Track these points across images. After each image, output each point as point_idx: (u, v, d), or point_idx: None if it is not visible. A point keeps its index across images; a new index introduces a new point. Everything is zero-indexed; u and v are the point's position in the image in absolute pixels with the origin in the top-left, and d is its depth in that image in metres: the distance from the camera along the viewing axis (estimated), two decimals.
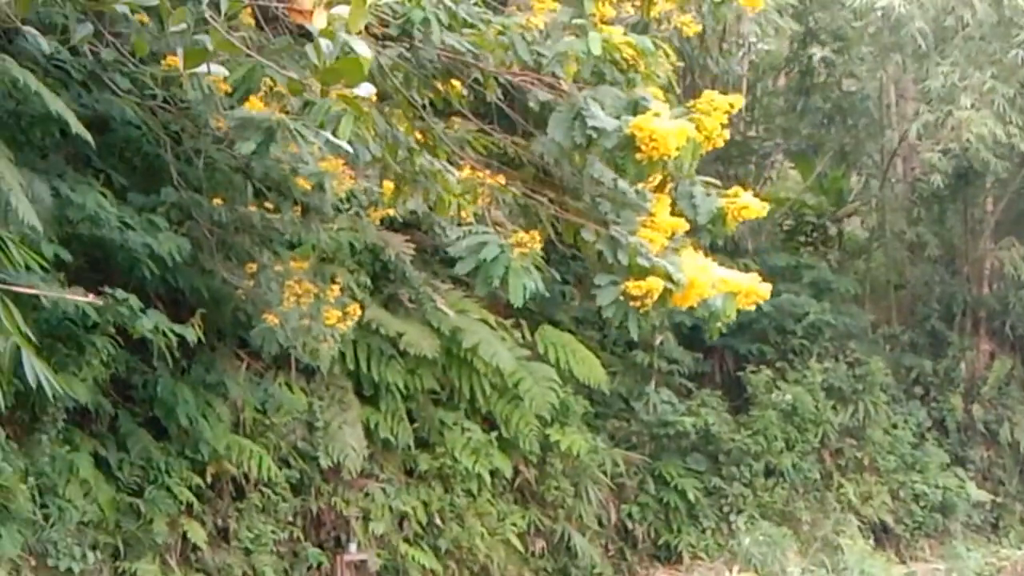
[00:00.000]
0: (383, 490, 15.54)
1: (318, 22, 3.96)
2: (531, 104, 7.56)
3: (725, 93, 7.88)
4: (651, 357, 19.61)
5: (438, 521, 16.05)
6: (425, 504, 15.97)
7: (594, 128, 7.19)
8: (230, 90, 10.72)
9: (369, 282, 15.58)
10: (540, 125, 7.70)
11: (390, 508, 15.52)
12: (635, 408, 19.40)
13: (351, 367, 15.37)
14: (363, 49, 4.13)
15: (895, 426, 21.39)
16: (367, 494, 15.37)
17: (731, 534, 18.89)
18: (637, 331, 7.31)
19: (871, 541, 20.01)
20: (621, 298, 7.14)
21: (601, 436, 18.49)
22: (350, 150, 5.99)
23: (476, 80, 7.80)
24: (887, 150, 22.74)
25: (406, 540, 15.64)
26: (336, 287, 12.05)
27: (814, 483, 20.08)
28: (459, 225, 13.30)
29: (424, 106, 7.82)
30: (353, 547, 14.96)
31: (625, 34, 7.60)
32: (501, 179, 8.00)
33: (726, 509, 19.15)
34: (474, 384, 16.78)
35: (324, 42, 4.03)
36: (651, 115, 7.13)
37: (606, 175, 7.43)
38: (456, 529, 16.12)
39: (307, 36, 4.29)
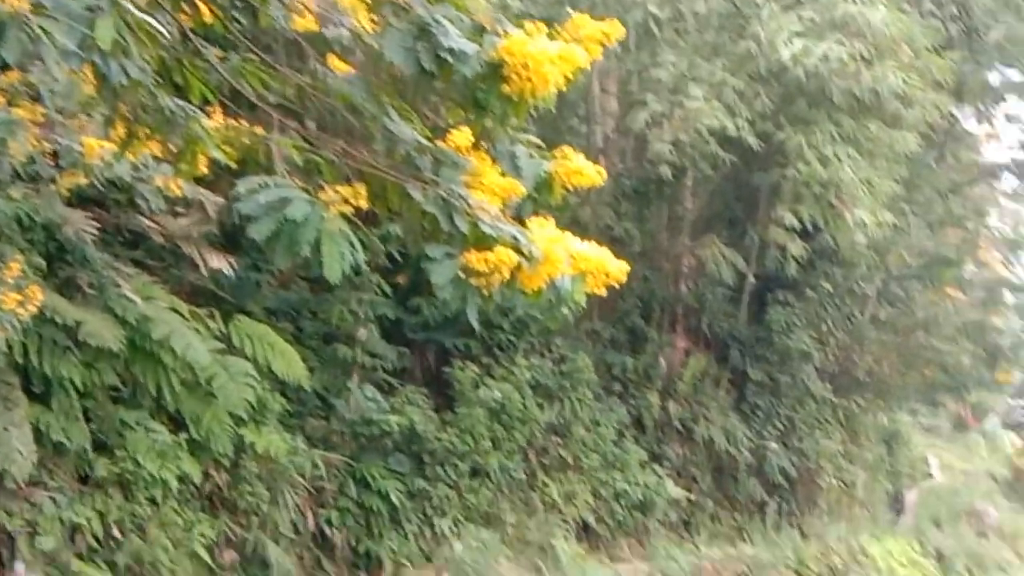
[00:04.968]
0: (53, 500, 13.67)
1: None
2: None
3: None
4: (352, 351, 18.32)
5: (116, 533, 14.30)
6: (102, 515, 14.21)
7: (450, 50, 5.74)
8: None
9: (43, 264, 13.63)
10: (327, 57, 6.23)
11: (61, 520, 13.69)
12: (335, 406, 18.08)
13: (19, 360, 13.32)
14: None
15: (597, 423, 21.09)
16: (34, 505, 13.43)
17: (435, 539, 17.93)
18: (477, 317, 5.95)
19: (576, 541, 19.56)
20: (461, 275, 5.72)
21: (299, 436, 17.07)
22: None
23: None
24: (594, 145, 22.36)
25: (79, 556, 13.85)
26: (15, 266, 10.15)
27: (519, 483, 19.44)
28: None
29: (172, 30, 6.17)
30: (20, 567, 13.05)
31: None
32: (259, 129, 6.41)
33: (430, 512, 18.13)
34: (161, 380, 15.08)
35: None
36: (524, 38, 5.77)
37: (404, 131, 6.02)
38: (137, 542, 14.44)
39: None
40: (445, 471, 18.40)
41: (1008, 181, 33.49)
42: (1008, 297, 35.03)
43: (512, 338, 20.26)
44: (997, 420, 48.28)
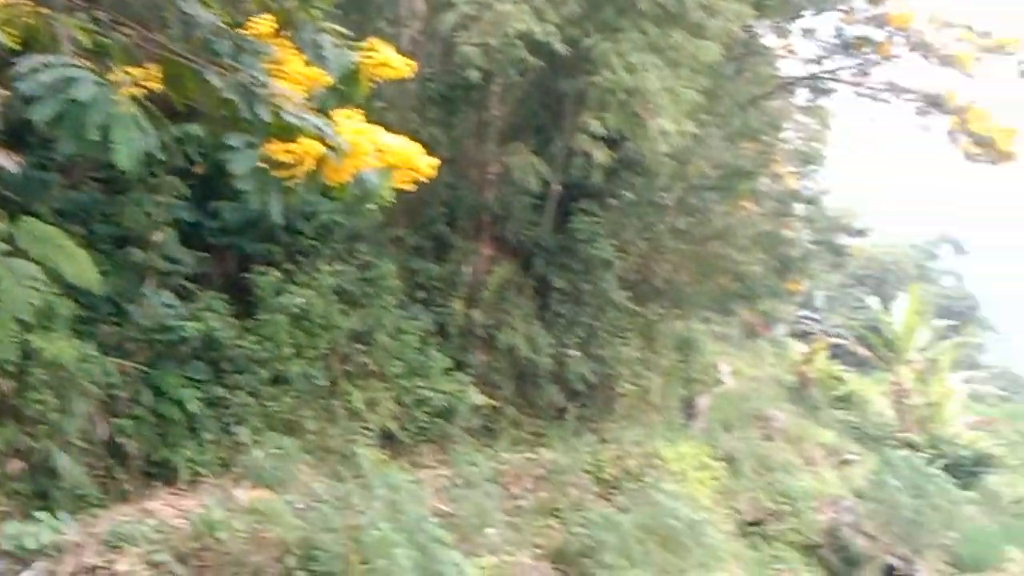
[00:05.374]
0: None
1: None
2: None
3: None
4: (148, 255, 17.63)
5: None
6: None
7: None
8: None
9: None
10: None
11: None
12: (129, 312, 17.36)
13: None
14: None
15: (401, 331, 20.87)
16: None
17: (234, 447, 17.52)
18: (280, 212, 5.58)
19: (378, 448, 19.43)
20: (263, 166, 5.33)
21: (90, 343, 16.35)
22: None
23: None
24: (401, 48, 21.83)
25: None
26: None
27: (321, 390, 19.13)
28: None
29: None
30: None
31: None
32: (45, 9, 5.84)
33: (228, 420, 17.69)
34: None
35: None
36: None
37: (201, 14, 5.60)
38: None
39: None
40: (245, 378, 17.98)
41: (802, 95, 34.45)
42: (799, 209, 36.19)
43: (315, 244, 19.84)
44: (784, 329, 50.28)
